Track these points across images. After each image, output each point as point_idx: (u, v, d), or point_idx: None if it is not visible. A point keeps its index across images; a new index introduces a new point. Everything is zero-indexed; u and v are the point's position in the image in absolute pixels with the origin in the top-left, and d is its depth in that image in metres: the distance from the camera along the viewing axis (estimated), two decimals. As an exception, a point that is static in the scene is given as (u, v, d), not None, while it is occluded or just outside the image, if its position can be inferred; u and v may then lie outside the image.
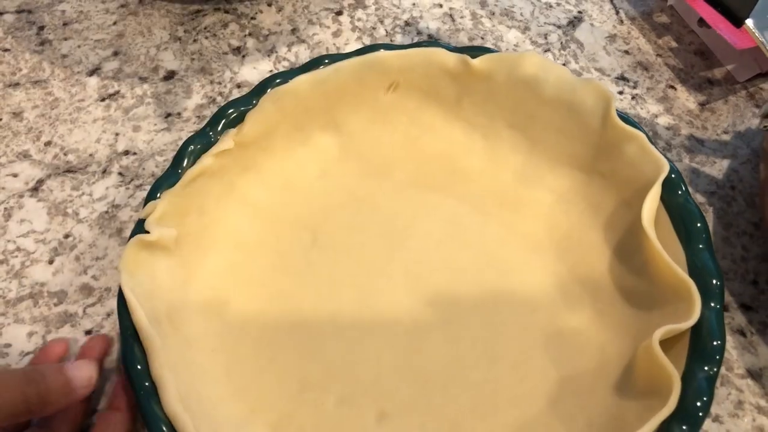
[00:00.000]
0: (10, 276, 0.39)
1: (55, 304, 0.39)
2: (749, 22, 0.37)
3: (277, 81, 0.40)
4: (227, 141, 0.38)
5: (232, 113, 0.39)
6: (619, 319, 0.36)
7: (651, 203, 0.35)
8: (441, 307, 0.37)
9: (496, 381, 0.35)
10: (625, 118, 0.38)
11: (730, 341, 0.37)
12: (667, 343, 0.32)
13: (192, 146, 0.37)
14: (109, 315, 0.38)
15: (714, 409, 0.35)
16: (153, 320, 0.33)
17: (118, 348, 0.37)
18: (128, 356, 0.32)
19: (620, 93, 0.46)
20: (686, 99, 0.46)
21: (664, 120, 0.45)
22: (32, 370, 0.28)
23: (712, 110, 0.45)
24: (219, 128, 0.38)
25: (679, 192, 0.36)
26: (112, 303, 0.38)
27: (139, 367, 0.32)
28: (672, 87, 0.46)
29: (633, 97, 0.46)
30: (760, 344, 0.37)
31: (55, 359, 0.34)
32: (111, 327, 0.38)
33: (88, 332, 0.38)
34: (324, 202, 0.40)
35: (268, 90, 0.40)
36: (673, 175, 0.36)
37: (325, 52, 0.48)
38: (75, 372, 0.30)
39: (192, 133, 0.44)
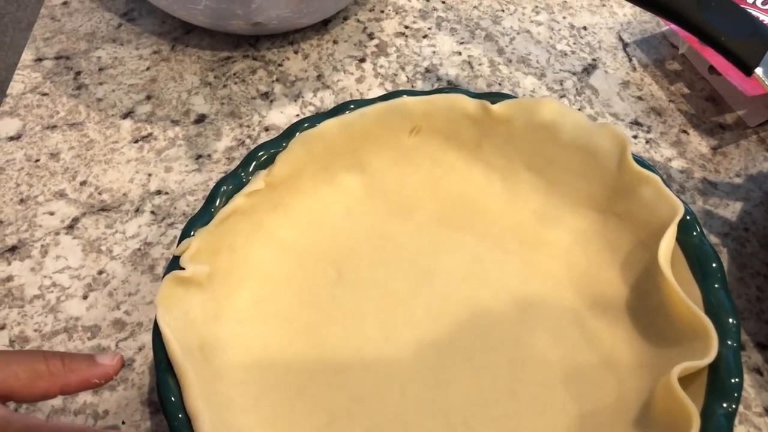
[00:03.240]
0: (46, 310, 0.41)
1: (89, 338, 0.40)
2: (759, 71, 0.39)
3: (306, 125, 0.42)
4: (258, 181, 0.39)
5: (262, 155, 0.40)
6: (637, 356, 0.36)
7: (667, 243, 0.36)
8: (463, 343, 0.38)
9: (517, 416, 0.35)
10: (640, 161, 0.39)
11: (747, 380, 0.38)
12: (684, 381, 0.33)
13: (224, 186, 0.39)
14: (140, 349, 0.39)
15: (733, 447, 0.35)
16: (186, 353, 0.34)
17: (150, 381, 0.38)
18: (162, 388, 0.33)
19: (634, 137, 0.48)
20: (699, 143, 0.47)
21: (677, 163, 0.46)
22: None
23: (724, 154, 0.47)
24: (250, 169, 0.40)
25: (694, 233, 0.37)
26: (144, 337, 0.40)
27: (173, 399, 0.33)
28: (685, 132, 0.48)
29: (647, 141, 0.47)
30: (776, 383, 0.37)
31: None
32: (142, 361, 0.39)
33: (120, 365, 0.39)
34: (349, 239, 0.42)
35: (297, 133, 0.41)
36: (688, 217, 0.38)
37: (349, 98, 0.50)
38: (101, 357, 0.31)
39: (222, 174, 0.46)
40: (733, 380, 0.32)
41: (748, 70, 0.37)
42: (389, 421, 0.35)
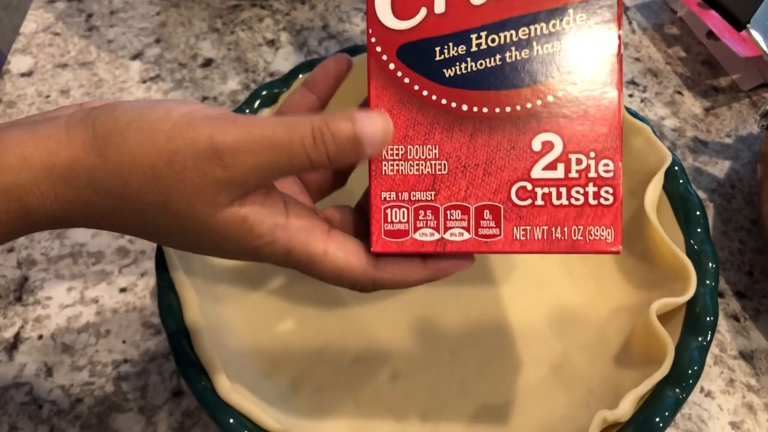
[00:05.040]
0: (52, 236, 0.42)
1: (93, 263, 0.41)
2: (755, 34, 0.40)
3: (311, 67, 0.43)
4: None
5: (267, 94, 0.42)
6: (619, 297, 0.38)
7: (654, 189, 0.37)
8: (452, 281, 0.39)
9: (502, 348, 0.37)
10: (632, 112, 0.41)
11: (725, 325, 0.39)
12: (662, 320, 0.34)
13: (229, 121, 0.40)
14: (142, 275, 0.41)
15: (707, 386, 0.37)
16: (188, 274, 0.35)
17: (151, 305, 0.40)
18: (163, 305, 0.34)
19: (630, 96, 0.49)
20: (692, 104, 0.48)
21: (670, 122, 0.47)
22: (321, 126, 0.24)
23: (716, 115, 0.48)
24: (255, 107, 0.41)
25: (681, 181, 0.38)
26: (146, 264, 0.41)
27: (174, 315, 0.34)
28: (679, 93, 0.49)
29: (642, 100, 0.49)
30: (752, 329, 0.39)
31: (334, 75, 0.31)
32: (144, 285, 0.41)
33: (122, 290, 0.40)
34: (349, 180, 0.43)
35: (301, 75, 0.42)
36: (675, 167, 0.39)
37: (353, 48, 0.51)
38: (367, 127, 0.25)
39: (227, 114, 0.47)
40: (708, 318, 0.34)
41: (739, 25, 0.38)
42: (379, 348, 0.37)
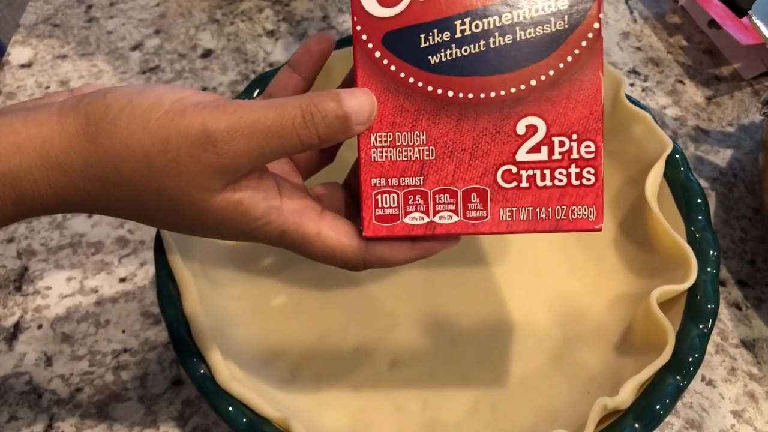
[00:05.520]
0: (52, 227, 0.42)
1: (93, 254, 0.41)
2: (758, 22, 0.40)
3: (309, 56, 0.43)
4: (261, 107, 0.40)
5: (266, 83, 0.41)
6: (620, 285, 0.38)
7: (654, 177, 0.37)
8: (453, 270, 0.39)
9: (502, 337, 0.37)
10: (633, 101, 0.40)
11: (727, 314, 0.39)
12: (663, 309, 0.34)
13: (228, 110, 0.40)
14: (142, 265, 0.41)
15: (708, 374, 0.37)
16: (187, 262, 0.35)
17: (150, 295, 0.40)
18: (163, 293, 0.34)
19: (631, 85, 0.49)
20: (694, 93, 0.48)
21: (671, 111, 0.47)
22: (309, 107, 0.25)
23: (718, 104, 0.48)
24: (254, 95, 0.41)
25: (682, 169, 0.38)
26: (146, 254, 0.41)
27: (173, 304, 0.34)
28: (681, 82, 0.49)
29: (643, 90, 0.48)
30: (754, 317, 0.39)
31: (318, 54, 0.31)
32: (144, 275, 0.41)
33: (122, 279, 0.40)
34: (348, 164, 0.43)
35: (300, 64, 0.42)
36: (676, 155, 0.39)
37: (353, 38, 0.51)
38: (353, 105, 0.26)
39: (226, 105, 0.47)
40: (709, 305, 0.34)
41: (741, 12, 0.38)
42: (379, 336, 0.37)
